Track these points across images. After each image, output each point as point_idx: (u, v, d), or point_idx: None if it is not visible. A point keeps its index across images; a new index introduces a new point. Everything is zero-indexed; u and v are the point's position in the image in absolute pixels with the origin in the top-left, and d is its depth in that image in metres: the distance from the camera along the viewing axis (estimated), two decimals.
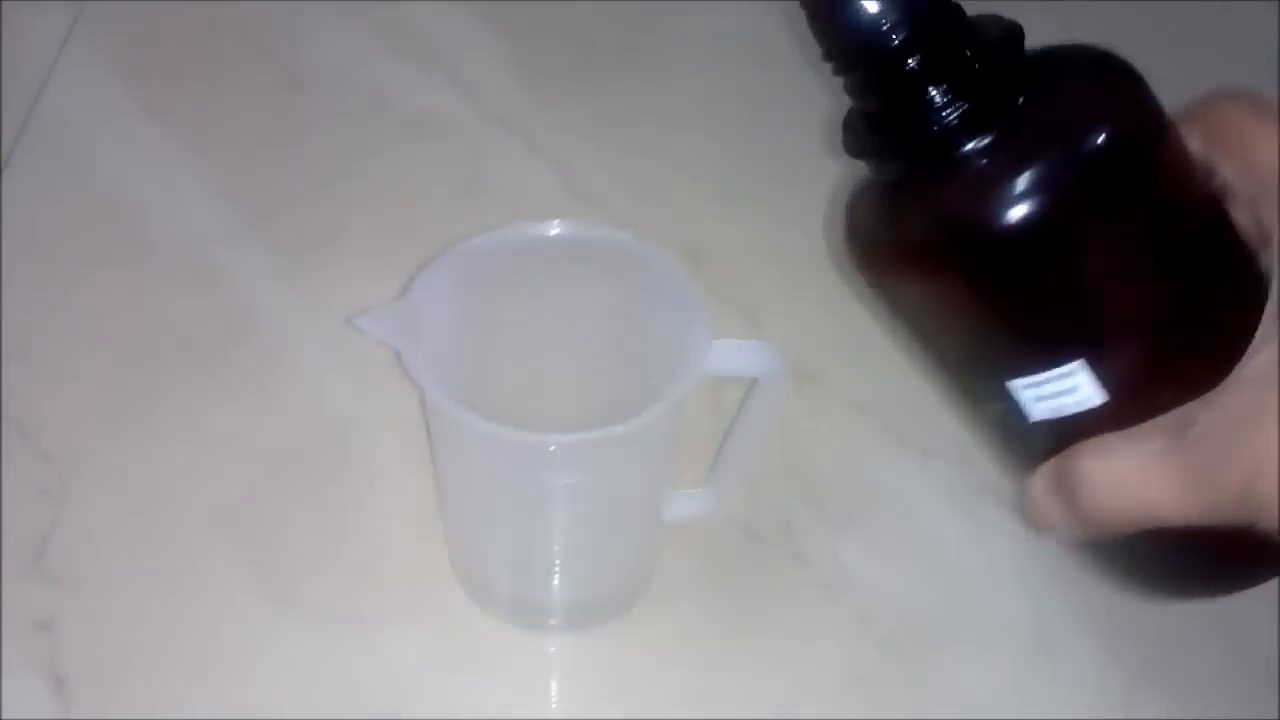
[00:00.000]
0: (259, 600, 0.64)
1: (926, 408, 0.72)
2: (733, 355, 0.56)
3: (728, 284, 0.77)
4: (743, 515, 0.67)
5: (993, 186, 0.43)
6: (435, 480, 0.65)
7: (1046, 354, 0.46)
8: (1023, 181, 0.43)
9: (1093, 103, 0.45)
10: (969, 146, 0.44)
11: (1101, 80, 0.45)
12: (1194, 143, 0.47)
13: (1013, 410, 0.48)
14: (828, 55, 0.45)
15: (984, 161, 0.44)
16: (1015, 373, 0.47)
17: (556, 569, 0.63)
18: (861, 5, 0.43)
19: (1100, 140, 0.43)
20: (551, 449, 0.55)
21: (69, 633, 0.62)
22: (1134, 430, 0.45)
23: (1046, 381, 0.46)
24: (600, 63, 0.91)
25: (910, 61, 0.44)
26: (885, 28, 0.43)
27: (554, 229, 0.59)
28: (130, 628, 0.63)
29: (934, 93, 0.44)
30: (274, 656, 0.62)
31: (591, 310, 0.61)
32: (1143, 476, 0.45)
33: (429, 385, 0.53)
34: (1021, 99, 0.44)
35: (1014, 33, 0.45)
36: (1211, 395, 0.44)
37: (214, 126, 0.86)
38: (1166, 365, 0.46)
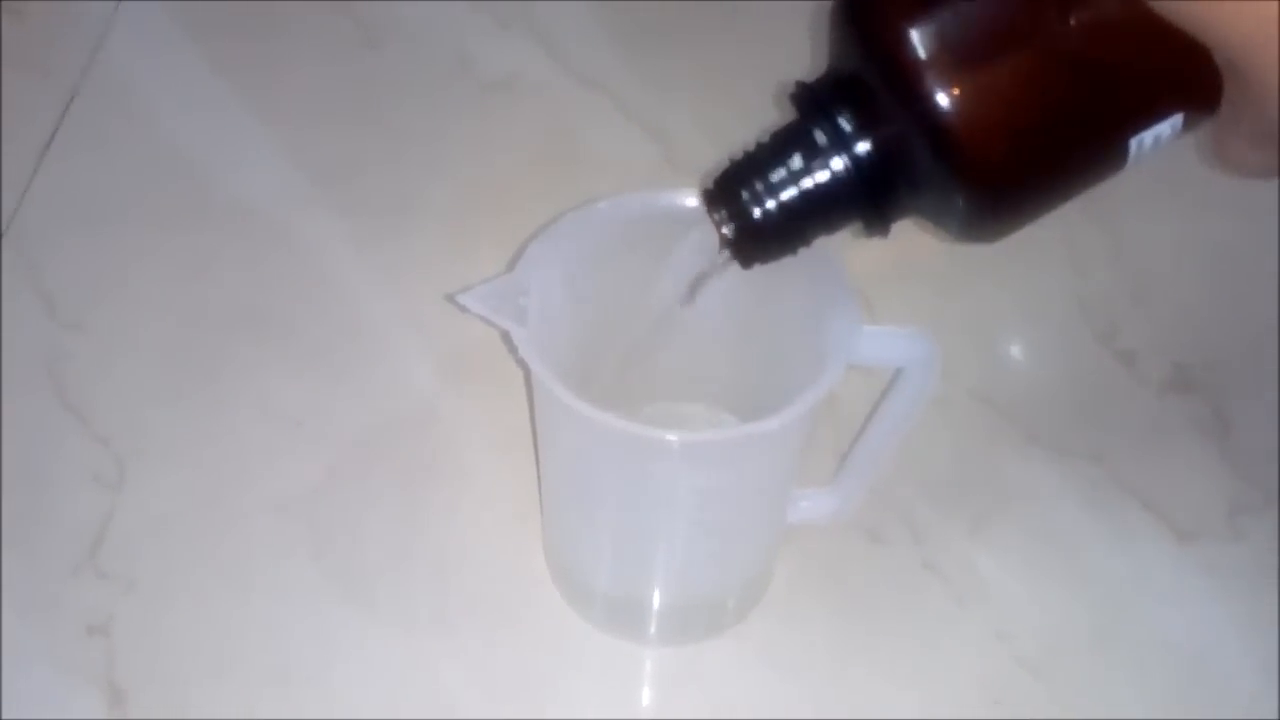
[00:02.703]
0: (336, 601, 0.60)
1: (1057, 400, 0.68)
2: (885, 343, 0.52)
3: None
4: (863, 516, 0.63)
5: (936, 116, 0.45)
6: (536, 471, 0.61)
7: (1116, 145, 0.47)
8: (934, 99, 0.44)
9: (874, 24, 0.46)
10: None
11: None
12: None
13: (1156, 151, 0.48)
14: (797, 246, 0.50)
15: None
16: (1121, 165, 0.47)
17: (667, 576, 0.58)
18: (744, 201, 0.49)
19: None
20: (676, 447, 0.50)
21: (126, 637, 0.59)
22: (1223, 128, 0.47)
23: (1142, 147, 0.47)
24: (696, 19, 0.86)
25: (820, 177, 0.48)
26: (766, 197, 0.48)
27: (677, 198, 0.54)
28: (194, 631, 0.59)
29: (858, 153, 0.47)
30: (352, 663, 0.59)
31: (716, 289, 0.55)
32: (1252, 146, 0.46)
33: (542, 370, 0.49)
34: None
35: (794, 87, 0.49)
36: None
37: (284, 85, 0.82)
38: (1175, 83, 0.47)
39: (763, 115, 0.77)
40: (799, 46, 0.83)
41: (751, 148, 0.49)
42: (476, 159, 0.78)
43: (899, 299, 0.70)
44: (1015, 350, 0.71)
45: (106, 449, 0.64)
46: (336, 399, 0.67)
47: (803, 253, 0.52)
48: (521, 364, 0.50)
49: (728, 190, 0.49)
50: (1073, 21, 0.45)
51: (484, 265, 0.64)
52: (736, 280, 0.55)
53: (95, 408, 0.66)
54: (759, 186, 0.48)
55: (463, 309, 0.50)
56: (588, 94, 0.82)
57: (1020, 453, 0.66)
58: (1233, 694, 0.59)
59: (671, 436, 0.48)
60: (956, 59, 0.44)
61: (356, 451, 0.65)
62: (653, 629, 0.60)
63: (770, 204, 0.48)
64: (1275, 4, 0.41)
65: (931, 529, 0.63)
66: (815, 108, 0.48)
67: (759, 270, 0.52)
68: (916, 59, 0.44)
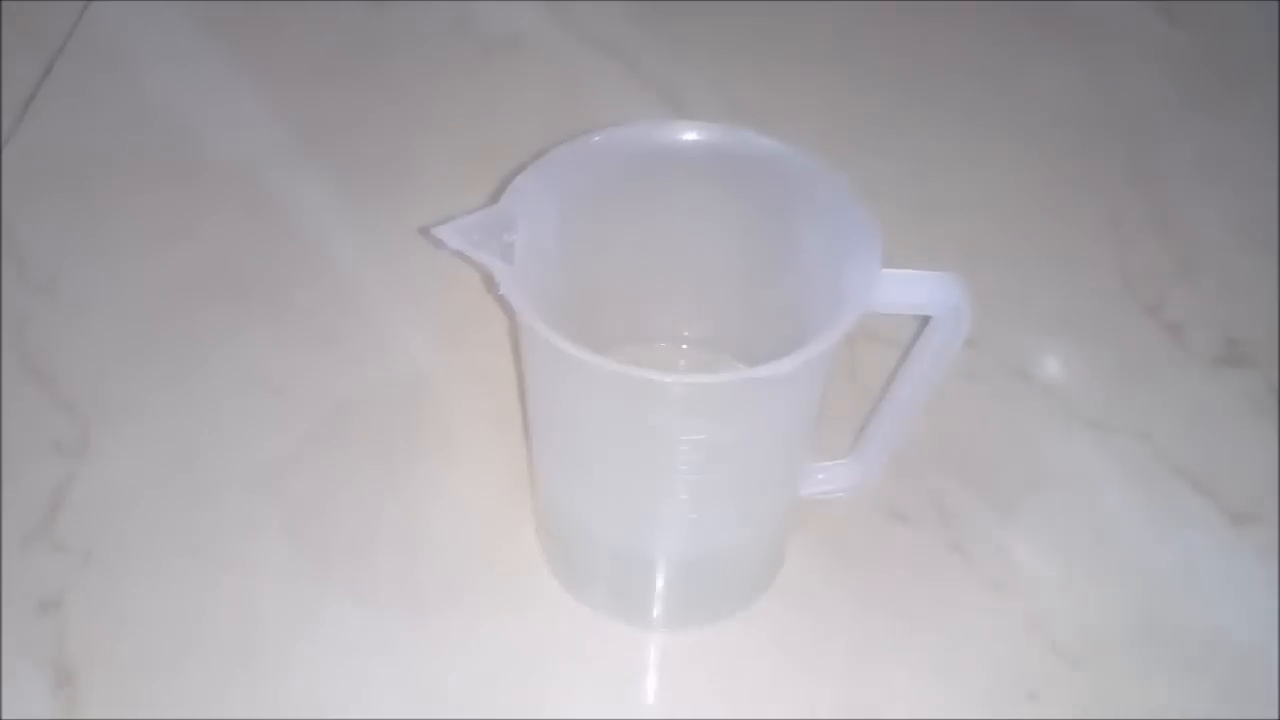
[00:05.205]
0: (308, 580, 0.57)
1: (1100, 374, 0.65)
2: (908, 286, 0.47)
3: None
4: (887, 494, 0.60)
5: None
6: (525, 437, 0.58)
7: None
8: None
9: None
10: None
11: None
12: None
13: None
14: None
15: None
16: None
17: (669, 547, 0.54)
18: None
19: None
20: (675, 391, 0.46)
21: (79, 614, 0.56)
22: None
23: None
24: None
25: None
26: None
27: (680, 132, 0.51)
28: (153, 610, 0.56)
29: None
30: (324, 648, 0.55)
31: (722, 228, 0.53)
32: None
33: (524, 308, 0.45)
34: None
35: None
36: None
37: (277, 43, 0.81)
38: None
39: (782, 76, 0.75)
40: (817, 5, 0.81)
41: None
42: (478, 123, 0.76)
43: (928, 265, 0.66)
44: (1055, 322, 0.67)
45: (70, 414, 0.62)
46: (320, 367, 0.65)
47: (814, 188, 0.49)
48: (506, 307, 0.47)
49: None
50: None
51: None
52: (745, 225, 0.51)
53: (61, 372, 0.64)
54: None
55: (438, 244, 0.47)
56: (595, 55, 0.80)
57: (1060, 430, 0.64)
58: None
59: (668, 379, 0.45)
60: None
61: (338, 422, 0.62)
62: (656, 611, 0.56)
63: None
64: None
65: (961, 510, 0.60)
66: None
67: (770, 212, 0.47)
68: None
